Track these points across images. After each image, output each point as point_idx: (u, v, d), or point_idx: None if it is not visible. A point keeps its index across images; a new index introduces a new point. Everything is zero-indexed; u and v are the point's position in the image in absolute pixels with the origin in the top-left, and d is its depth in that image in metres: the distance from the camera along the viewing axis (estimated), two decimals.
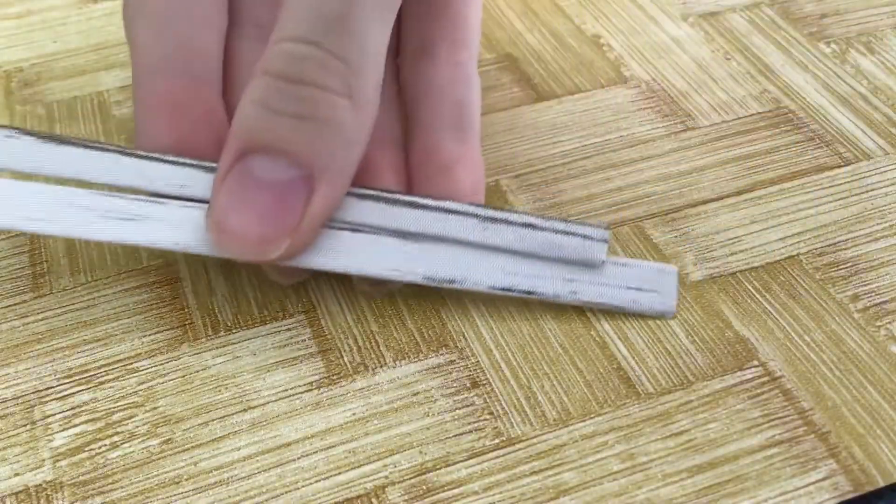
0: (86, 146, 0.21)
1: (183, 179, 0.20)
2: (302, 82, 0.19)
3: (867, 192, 0.26)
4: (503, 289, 0.22)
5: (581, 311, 0.23)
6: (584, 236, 0.22)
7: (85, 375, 0.22)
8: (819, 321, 0.23)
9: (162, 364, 0.22)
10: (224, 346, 0.22)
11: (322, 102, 0.19)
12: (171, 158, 0.21)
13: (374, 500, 0.19)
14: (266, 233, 0.18)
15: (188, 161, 0.21)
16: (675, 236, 0.25)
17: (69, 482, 0.20)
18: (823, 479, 0.19)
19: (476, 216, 0.22)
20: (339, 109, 0.19)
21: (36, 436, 0.20)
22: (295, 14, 0.19)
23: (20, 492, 0.19)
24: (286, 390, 0.21)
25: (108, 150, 0.21)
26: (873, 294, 0.23)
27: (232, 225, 0.18)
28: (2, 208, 0.20)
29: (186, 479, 0.20)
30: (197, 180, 0.20)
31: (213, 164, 0.20)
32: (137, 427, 0.21)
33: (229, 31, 0.24)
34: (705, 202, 0.26)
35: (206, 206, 0.20)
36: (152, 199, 0.20)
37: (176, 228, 0.20)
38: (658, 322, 0.23)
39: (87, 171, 0.21)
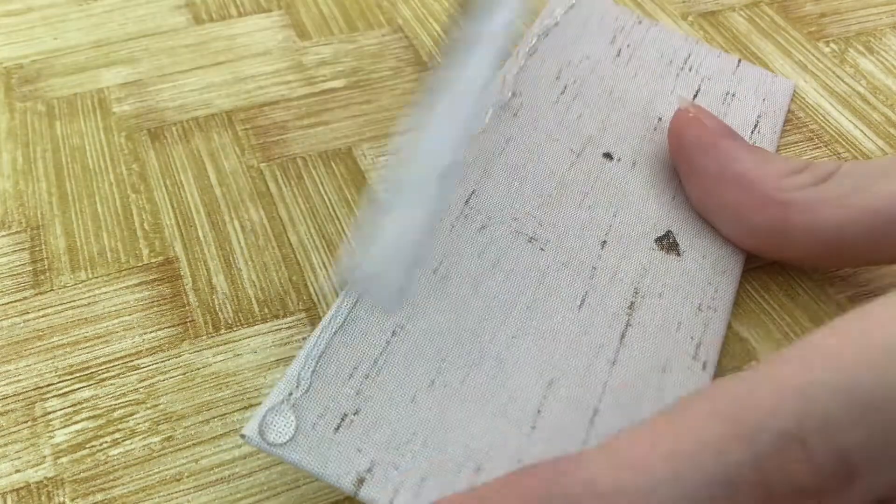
0: None
1: None
2: None
3: None
4: None
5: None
6: None
7: (86, 372, 0.22)
8: (817, 322, 0.23)
9: (163, 361, 0.22)
10: (225, 343, 0.22)
11: None
12: None
13: None
14: None
15: None
16: None
17: (70, 479, 0.20)
18: None
19: None
20: None
21: (37, 432, 0.20)
22: None
23: (21, 488, 0.19)
24: None
25: None
26: (872, 295, 0.23)
27: None
28: None
29: (188, 477, 0.20)
30: None
31: None
32: (138, 424, 0.21)
33: None
34: None
35: None
36: None
37: None
38: None
39: None
